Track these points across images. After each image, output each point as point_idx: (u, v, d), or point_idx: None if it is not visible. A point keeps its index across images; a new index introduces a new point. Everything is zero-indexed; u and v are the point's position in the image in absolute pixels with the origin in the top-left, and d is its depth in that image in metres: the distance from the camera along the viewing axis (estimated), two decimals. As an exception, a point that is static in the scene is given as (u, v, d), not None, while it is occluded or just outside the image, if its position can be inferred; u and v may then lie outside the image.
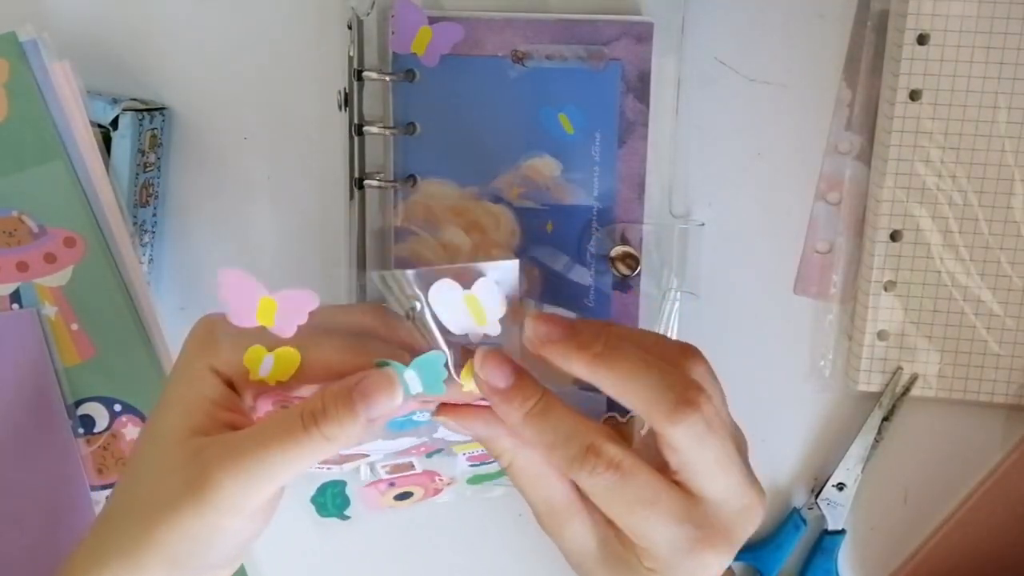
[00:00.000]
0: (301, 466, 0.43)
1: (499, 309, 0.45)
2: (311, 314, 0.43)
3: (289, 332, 0.43)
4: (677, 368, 0.45)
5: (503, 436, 0.46)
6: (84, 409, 0.58)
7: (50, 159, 0.55)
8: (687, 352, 0.46)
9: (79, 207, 0.56)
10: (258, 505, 0.43)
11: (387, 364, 0.44)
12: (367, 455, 0.52)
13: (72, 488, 0.58)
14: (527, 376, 0.45)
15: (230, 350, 0.45)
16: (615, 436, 0.44)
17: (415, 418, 0.47)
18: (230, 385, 0.45)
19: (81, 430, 0.58)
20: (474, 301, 0.44)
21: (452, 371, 0.44)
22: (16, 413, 0.58)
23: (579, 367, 0.44)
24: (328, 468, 0.52)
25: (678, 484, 0.44)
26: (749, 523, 0.46)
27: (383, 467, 0.55)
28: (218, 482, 0.42)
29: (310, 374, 0.45)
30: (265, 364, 0.45)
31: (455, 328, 0.44)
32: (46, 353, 0.57)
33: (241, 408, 0.46)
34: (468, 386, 0.45)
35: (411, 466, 0.55)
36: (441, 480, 0.57)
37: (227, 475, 0.42)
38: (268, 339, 0.44)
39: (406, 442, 0.51)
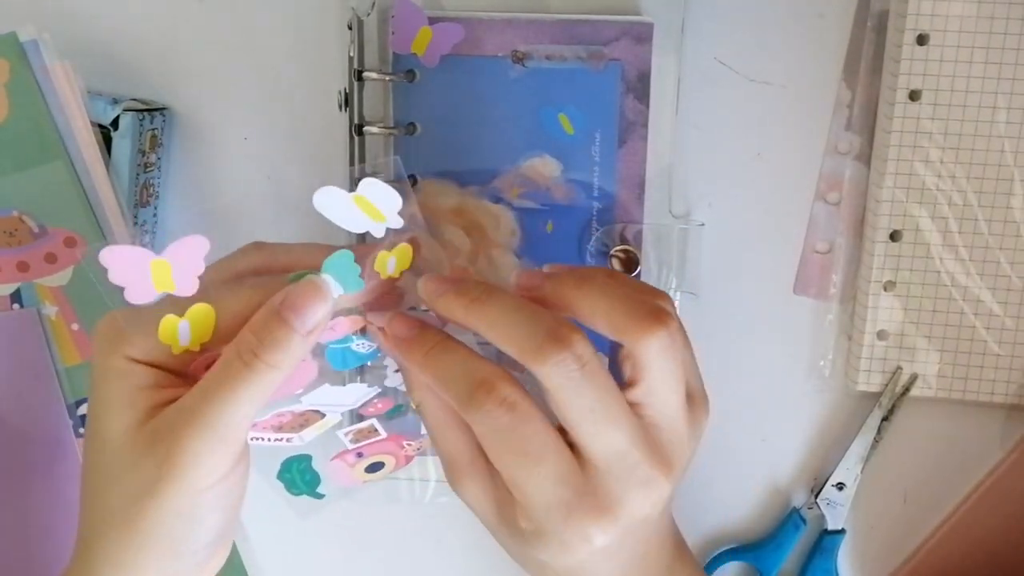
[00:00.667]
0: (257, 402, 0.43)
1: (394, 203, 0.45)
2: (205, 270, 0.42)
3: (192, 287, 0.42)
4: (644, 296, 0.45)
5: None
6: (84, 409, 0.58)
7: (50, 159, 0.55)
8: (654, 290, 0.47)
9: (79, 207, 0.56)
10: (231, 460, 0.43)
11: (301, 275, 0.43)
12: (323, 415, 0.51)
13: (72, 488, 0.58)
14: (430, 327, 0.46)
15: (141, 336, 0.43)
16: (515, 382, 0.44)
17: (354, 347, 0.47)
18: (158, 368, 0.44)
19: (81, 430, 0.58)
20: (363, 200, 0.44)
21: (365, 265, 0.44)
22: (16, 413, 0.58)
23: (459, 313, 0.44)
24: (288, 439, 0.51)
25: (571, 447, 0.44)
26: (643, 498, 0.44)
27: (346, 435, 0.54)
28: (185, 448, 0.42)
29: (229, 329, 0.44)
30: (182, 333, 0.43)
31: (354, 228, 0.45)
32: (46, 353, 0.57)
33: (178, 380, 0.44)
34: (384, 273, 0.45)
35: (375, 431, 0.54)
36: (410, 446, 0.56)
37: (192, 438, 0.42)
38: (174, 308, 0.43)
39: (358, 392, 0.50)
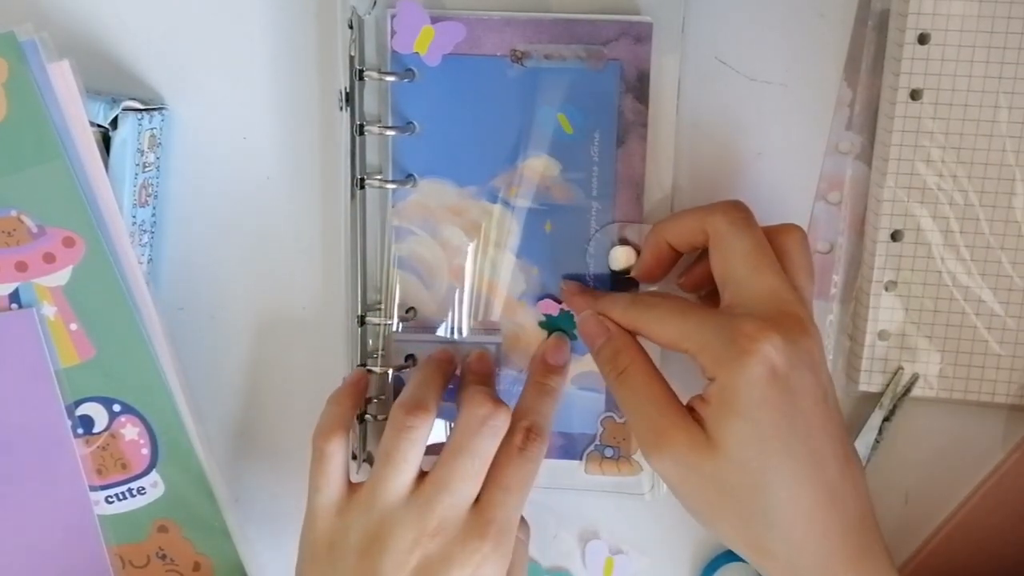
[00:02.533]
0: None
1: None
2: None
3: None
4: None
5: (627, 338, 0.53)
6: (83, 409, 0.58)
7: (49, 159, 0.55)
8: None
9: (78, 207, 0.56)
10: None
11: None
12: None
13: (71, 488, 0.58)
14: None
15: None
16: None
17: None
18: None
19: (80, 430, 0.58)
20: None
21: None
22: (15, 413, 0.58)
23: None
24: None
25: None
26: (800, 327, 0.49)
27: None
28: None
29: None
30: None
31: None
32: (45, 353, 0.57)
33: None
34: None
35: None
36: None
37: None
38: None
39: None
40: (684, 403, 0.50)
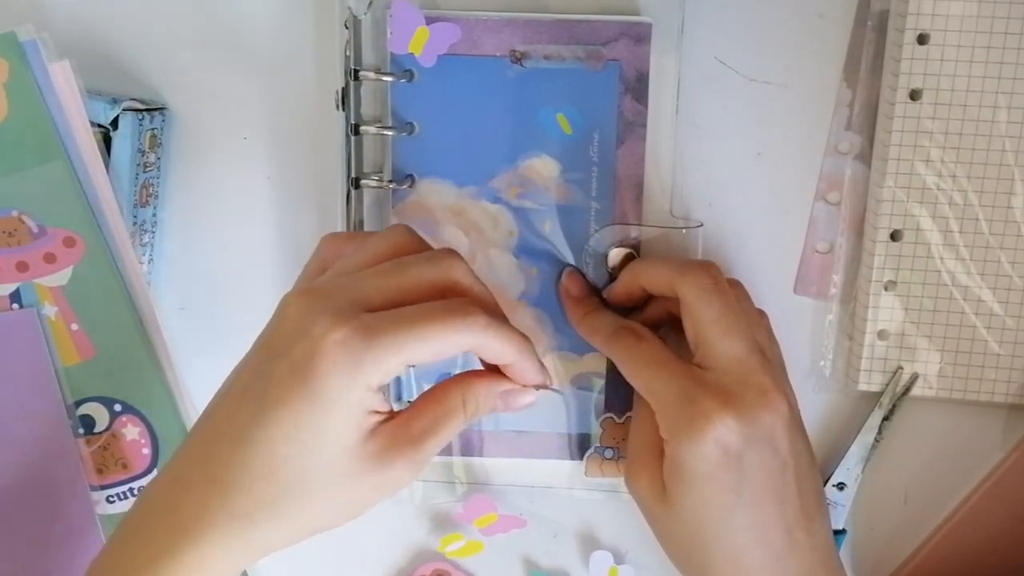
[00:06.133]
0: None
1: None
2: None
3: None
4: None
5: None
6: (84, 409, 0.58)
7: (50, 159, 0.56)
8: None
9: (79, 207, 0.56)
10: None
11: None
12: None
13: (72, 488, 0.58)
14: (591, 295, 0.57)
15: (382, 367, 0.45)
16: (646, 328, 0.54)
17: None
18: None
19: (81, 430, 0.58)
20: None
21: None
22: (17, 413, 0.58)
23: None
24: None
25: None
26: (761, 401, 0.49)
27: None
28: (402, 481, 0.47)
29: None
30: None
31: None
32: (46, 353, 0.57)
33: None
34: None
35: None
36: None
37: (413, 471, 0.47)
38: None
39: None
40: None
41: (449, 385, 0.49)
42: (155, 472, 0.59)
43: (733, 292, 0.52)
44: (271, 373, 0.45)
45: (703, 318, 0.51)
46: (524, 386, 0.50)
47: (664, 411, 0.50)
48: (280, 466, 0.45)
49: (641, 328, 0.54)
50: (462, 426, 0.49)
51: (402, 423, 0.47)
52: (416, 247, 0.49)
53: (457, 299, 0.47)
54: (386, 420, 0.46)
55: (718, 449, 0.49)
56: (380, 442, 0.46)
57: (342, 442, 0.45)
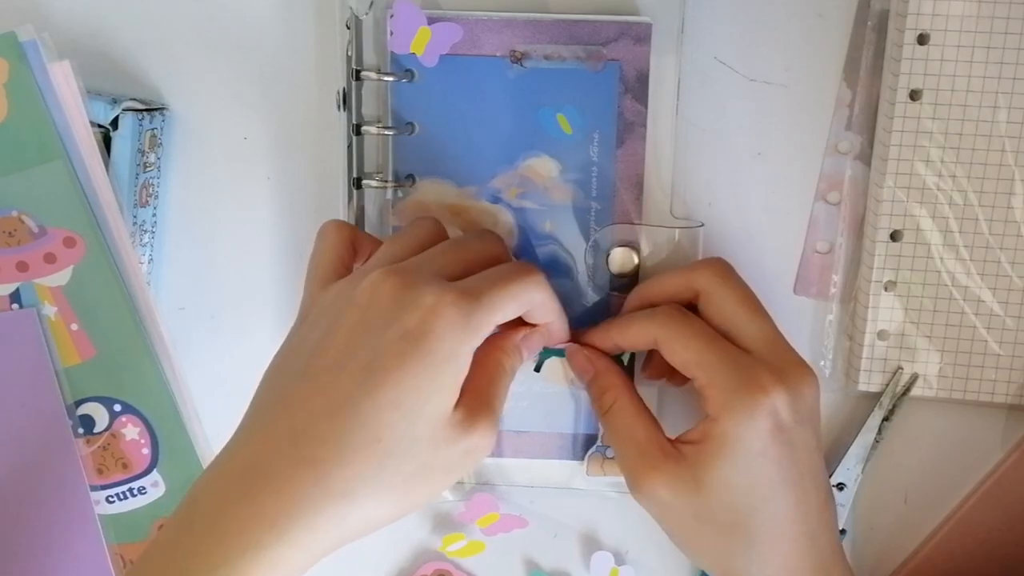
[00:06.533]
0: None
1: None
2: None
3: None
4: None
5: (614, 376, 0.54)
6: (84, 409, 0.58)
7: (50, 159, 0.56)
8: None
9: (79, 207, 0.56)
10: None
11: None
12: None
13: (72, 488, 0.58)
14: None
15: (484, 328, 0.48)
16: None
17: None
18: None
19: (81, 430, 0.58)
20: None
21: None
22: (16, 413, 0.58)
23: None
24: None
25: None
26: (804, 378, 0.50)
27: None
28: (484, 453, 0.49)
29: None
30: None
31: None
32: (46, 353, 0.57)
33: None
34: None
35: None
36: None
37: (491, 444, 0.49)
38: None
39: None
40: (672, 436, 0.52)
41: (485, 350, 0.50)
42: (154, 471, 0.59)
43: None
44: (378, 344, 0.46)
45: (728, 302, 0.51)
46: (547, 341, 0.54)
47: (716, 386, 0.49)
48: (384, 433, 0.45)
49: (680, 308, 0.53)
50: (511, 382, 0.52)
51: (469, 391, 0.48)
52: (444, 234, 0.53)
53: (517, 262, 0.52)
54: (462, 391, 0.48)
55: (773, 424, 0.48)
56: (464, 409, 0.48)
57: (440, 407, 0.46)
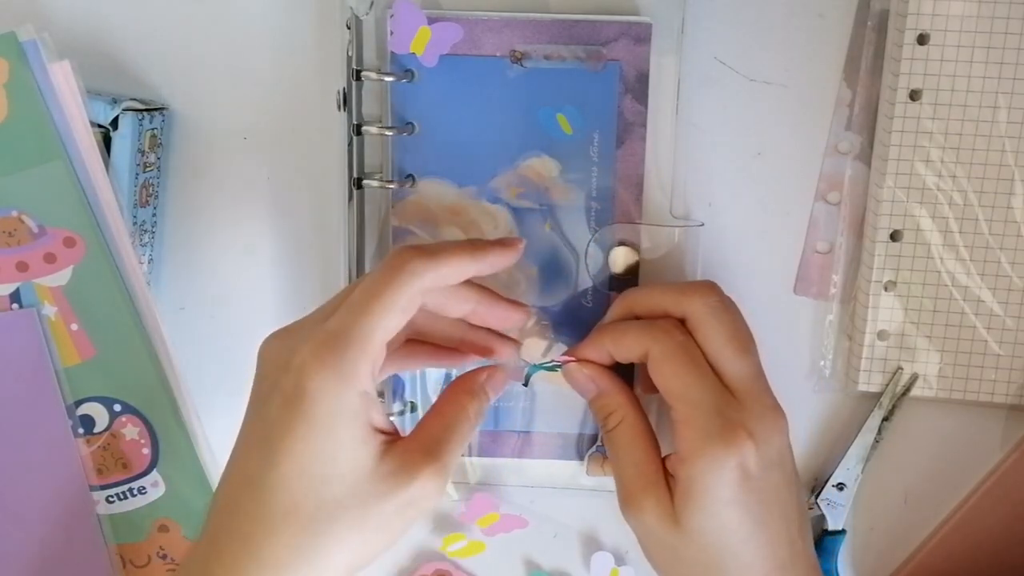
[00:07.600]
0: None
1: None
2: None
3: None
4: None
5: (619, 394, 0.53)
6: (84, 409, 0.58)
7: (50, 159, 0.56)
8: None
9: (79, 207, 0.56)
10: None
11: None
12: None
13: (72, 488, 0.58)
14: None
15: (364, 362, 0.46)
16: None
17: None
18: None
19: (81, 430, 0.58)
20: None
21: None
22: (16, 413, 0.58)
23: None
24: None
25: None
26: (775, 424, 0.50)
27: None
28: (426, 511, 0.48)
29: None
30: None
31: None
32: (46, 353, 0.57)
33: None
34: None
35: None
36: None
37: (434, 498, 0.48)
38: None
39: None
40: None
41: (448, 392, 0.50)
42: (154, 471, 0.59)
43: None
44: (267, 415, 0.46)
45: (718, 335, 0.50)
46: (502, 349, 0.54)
47: (695, 426, 0.49)
48: (299, 504, 0.45)
49: (679, 330, 0.51)
50: (473, 426, 0.49)
51: (413, 438, 0.47)
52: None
53: (384, 262, 0.47)
54: (396, 440, 0.47)
55: (740, 474, 0.49)
56: (395, 460, 0.46)
57: (355, 466, 0.45)
